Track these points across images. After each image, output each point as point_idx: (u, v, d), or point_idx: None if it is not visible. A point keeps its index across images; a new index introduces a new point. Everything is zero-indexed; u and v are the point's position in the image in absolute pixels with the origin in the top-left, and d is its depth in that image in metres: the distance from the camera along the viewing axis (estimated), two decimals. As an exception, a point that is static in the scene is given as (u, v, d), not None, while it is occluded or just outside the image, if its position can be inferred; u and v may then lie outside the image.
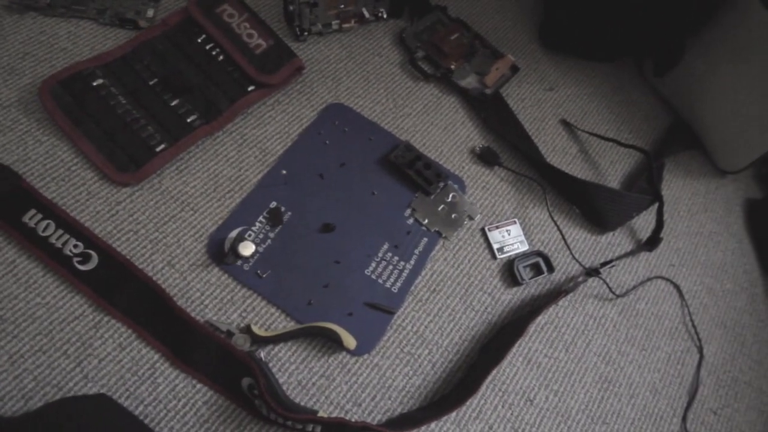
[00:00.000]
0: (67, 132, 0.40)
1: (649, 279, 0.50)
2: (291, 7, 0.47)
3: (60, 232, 0.36)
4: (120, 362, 0.34)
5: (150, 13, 0.47)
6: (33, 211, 0.37)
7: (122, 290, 0.36)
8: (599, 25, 0.55)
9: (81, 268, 0.36)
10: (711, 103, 0.56)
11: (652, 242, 0.51)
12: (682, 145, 0.59)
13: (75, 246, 0.36)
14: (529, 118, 0.54)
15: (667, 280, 0.51)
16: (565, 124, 0.56)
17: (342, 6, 0.50)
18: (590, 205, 0.49)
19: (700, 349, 0.49)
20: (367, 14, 0.52)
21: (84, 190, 0.39)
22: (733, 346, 0.50)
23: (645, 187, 0.53)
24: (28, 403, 0.32)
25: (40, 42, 0.44)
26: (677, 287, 0.50)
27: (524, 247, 0.47)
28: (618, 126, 0.58)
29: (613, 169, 0.55)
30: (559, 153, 0.53)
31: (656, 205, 0.51)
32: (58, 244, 0.36)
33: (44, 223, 0.36)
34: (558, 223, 0.49)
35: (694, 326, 0.49)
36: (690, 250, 0.54)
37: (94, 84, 0.42)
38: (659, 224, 0.51)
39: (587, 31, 0.56)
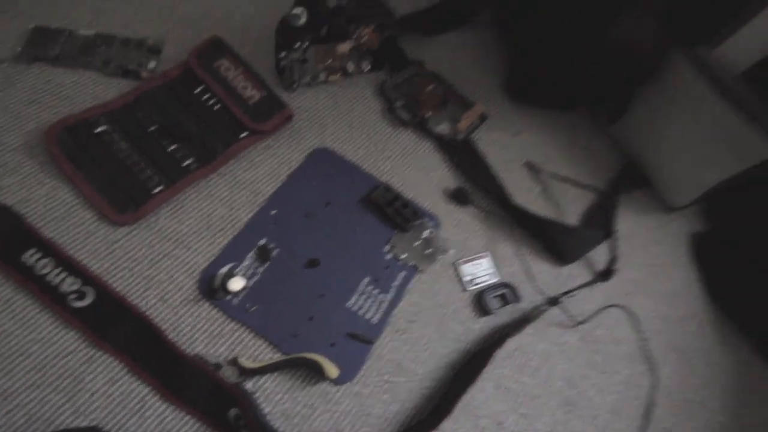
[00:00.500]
0: (69, 175, 0.43)
1: (606, 307, 0.54)
2: (283, 63, 0.52)
3: (58, 270, 0.39)
4: (110, 396, 0.36)
5: (152, 65, 0.51)
6: (33, 250, 0.39)
7: (116, 326, 0.38)
8: (558, 79, 0.62)
9: (76, 304, 0.38)
10: (655, 148, 0.63)
11: (607, 273, 0.56)
12: (634, 185, 0.65)
13: (72, 283, 0.38)
14: (497, 161, 0.60)
15: (623, 308, 0.55)
16: (529, 166, 0.61)
17: (329, 61, 0.55)
18: (551, 241, 0.54)
19: (655, 372, 0.53)
20: (351, 68, 0.58)
21: (83, 229, 0.41)
22: (685, 369, 0.55)
23: (601, 223, 0.59)
24: (21, 437, 0.33)
25: (45, 90, 0.47)
26: (632, 314, 0.55)
27: (495, 279, 0.51)
28: (576, 167, 0.64)
29: (572, 207, 0.61)
30: (524, 192, 0.59)
31: (609, 239, 0.56)
32: (55, 282, 0.38)
33: (43, 261, 0.39)
34: (524, 256, 0.54)
35: (649, 351, 0.54)
36: (643, 279, 0.59)
37: (97, 131, 0.45)
38: (613, 257, 0.56)
39: (547, 84, 0.63)
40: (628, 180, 0.65)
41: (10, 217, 0.40)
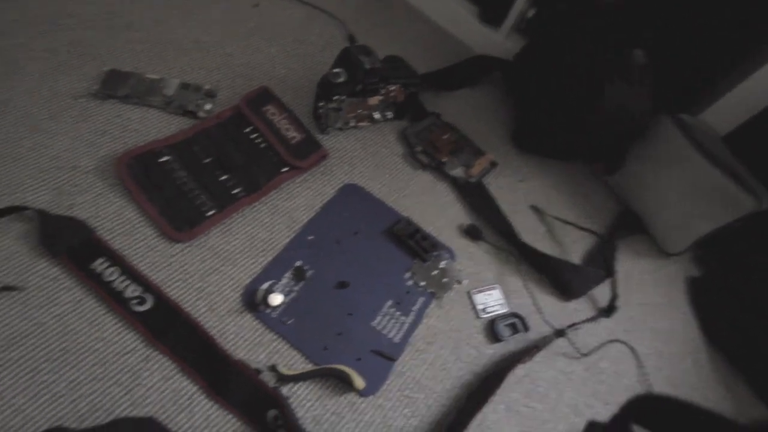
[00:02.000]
0: (135, 196, 0.49)
1: (609, 341, 0.58)
2: (320, 111, 0.60)
3: (123, 277, 0.44)
4: (163, 392, 0.40)
5: (208, 107, 0.59)
6: (101, 259, 0.44)
7: (170, 329, 0.42)
8: (559, 135, 0.70)
9: (138, 308, 0.43)
10: (650, 198, 0.70)
11: (609, 310, 0.60)
12: (631, 230, 0.71)
13: (134, 290, 0.43)
14: (505, 203, 0.66)
15: (624, 343, 0.59)
16: (535, 209, 0.68)
17: (359, 111, 0.63)
18: (556, 276, 0.60)
19: None
20: (377, 116, 0.66)
21: (144, 244, 0.47)
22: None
23: (602, 264, 0.64)
24: (83, 424, 0.37)
25: (116, 123, 0.55)
26: (632, 350, 0.59)
27: (504, 309, 0.56)
28: (577, 212, 0.70)
29: (574, 247, 0.66)
30: (530, 232, 0.65)
31: (610, 279, 0.61)
32: (120, 288, 0.43)
33: (110, 269, 0.44)
34: (531, 289, 0.59)
35: (649, 384, 0.57)
36: (642, 318, 0.63)
37: (161, 160, 0.52)
38: (614, 295, 0.61)
39: (550, 138, 0.71)
40: (626, 226, 0.71)
41: (84, 230, 0.45)
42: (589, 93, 0.61)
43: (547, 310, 0.58)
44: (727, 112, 0.68)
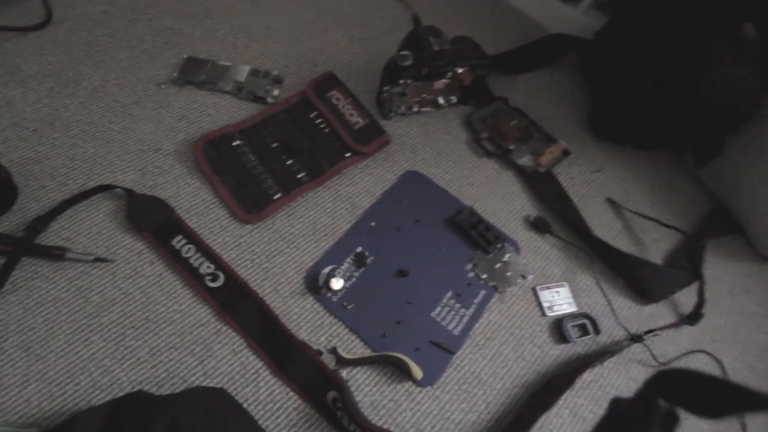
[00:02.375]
0: (210, 178, 0.51)
1: (692, 351, 0.53)
2: (384, 95, 0.59)
3: (198, 255, 0.46)
4: (232, 365, 0.42)
5: (276, 92, 0.60)
6: (180, 237, 0.47)
7: (239, 306, 0.44)
8: (641, 122, 0.63)
9: (211, 285, 0.45)
10: (750, 193, 0.62)
11: (694, 317, 0.55)
12: (723, 230, 0.64)
13: (208, 267, 0.46)
14: (577, 195, 0.62)
15: (710, 354, 0.53)
16: (611, 202, 0.63)
17: (423, 95, 0.61)
18: (634, 277, 0.55)
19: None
20: (441, 101, 0.64)
21: (217, 224, 0.49)
22: (779, 429, 0.51)
23: (686, 266, 0.58)
24: (160, 389, 0.40)
25: (193, 109, 0.58)
26: (719, 362, 0.53)
27: (572, 308, 0.53)
28: (660, 208, 0.64)
29: (655, 247, 0.60)
30: (604, 228, 0.60)
31: (697, 283, 0.55)
32: (195, 264, 0.46)
33: (187, 246, 0.47)
34: (604, 290, 0.55)
35: (738, 403, 0.51)
36: (731, 328, 0.57)
37: (233, 144, 0.54)
38: (700, 301, 0.55)
39: (631, 125, 0.65)
40: (718, 225, 0.64)
41: (166, 209, 0.48)
42: (688, 72, 0.54)
43: (621, 312, 0.54)
44: None
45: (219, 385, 0.40)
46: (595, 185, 0.63)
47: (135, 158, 0.52)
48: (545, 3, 0.77)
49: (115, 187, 0.48)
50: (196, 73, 0.60)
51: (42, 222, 0.44)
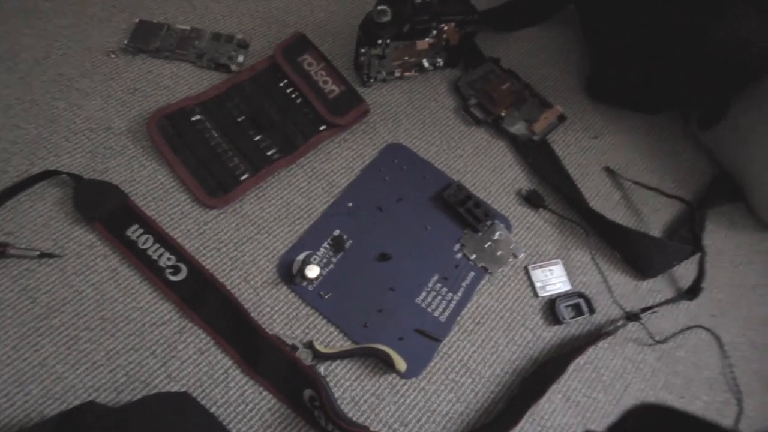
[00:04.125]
0: (168, 159, 0.46)
1: (689, 328, 0.51)
2: (362, 58, 0.53)
3: (156, 245, 0.42)
4: (198, 365, 0.39)
5: (240, 59, 0.54)
6: (135, 226, 0.43)
7: (205, 300, 0.41)
8: (645, 81, 0.58)
9: (172, 278, 0.41)
10: (755, 159, 0.58)
11: (693, 291, 0.52)
12: (726, 198, 0.60)
13: (168, 259, 0.42)
14: (574, 165, 0.57)
15: (708, 330, 0.51)
16: (609, 171, 0.58)
17: (406, 58, 0.55)
18: (632, 252, 0.51)
19: (740, 402, 0.48)
20: (426, 64, 0.58)
21: (178, 210, 0.45)
22: (778, 403, 0.50)
23: (687, 237, 0.54)
24: (120, 395, 0.37)
25: (147, 80, 0.52)
26: (718, 338, 0.51)
27: (566, 287, 0.49)
28: (661, 175, 0.60)
29: (655, 218, 0.57)
30: (602, 199, 0.56)
31: (698, 255, 0.52)
32: (154, 256, 0.42)
33: (144, 237, 0.42)
34: (599, 266, 0.51)
35: (734, 378, 0.50)
36: (732, 301, 0.54)
37: (193, 119, 0.48)
38: (700, 274, 0.52)
39: (633, 85, 0.60)
40: (720, 192, 0.60)
41: (119, 195, 0.44)
42: (700, 20, 0.48)
43: (618, 290, 0.51)
44: None
45: (184, 389, 0.37)
46: (593, 153, 0.59)
47: (83, 139, 0.47)
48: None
49: (61, 173, 0.43)
50: (149, 40, 0.53)
51: (-22, 215, 0.40)
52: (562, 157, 0.57)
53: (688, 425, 0.24)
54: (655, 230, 0.56)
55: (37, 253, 0.40)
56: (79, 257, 0.41)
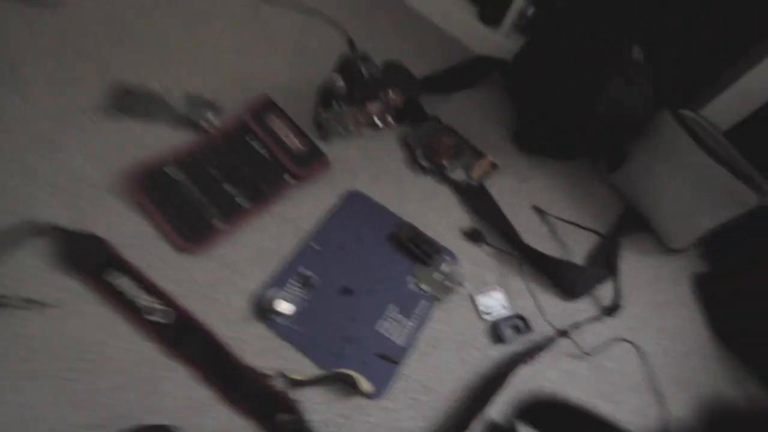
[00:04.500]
0: (147, 209, 0.51)
1: (613, 340, 0.59)
2: (320, 118, 0.62)
3: (139, 290, 0.46)
4: (177, 399, 0.42)
5: (213, 119, 0.60)
6: (118, 273, 0.46)
7: (185, 338, 0.44)
8: (559, 135, 0.70)
9: (154, 319, 0.44)
10: (652, 194, 0.70)
11: (612, 308, 0.61)
12: (634, 228, 0.72)
13: (150, 301, 0.45)
14: (507, 205, 0.67)
15: (629, 342, 0.60)
16: (537, 209, 0.68)
17: (360, 117, 0.64)
18: (559, 277, 0.60)
19: (664, 404, 0.56)
20: (378, 122, 0.67)
21: (156, 256, 0.49)
22: (692, 401, 0.58)
23: (604, 263, 0.64)
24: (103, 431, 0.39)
25: (124, 138, 0.56)
26: (637, 348, 0.59)
27: (507, 311, 0.57)
28: (579, 212, 0.70)
29: (577, 247, 0.67)
30: (532, 233, 0.65)
31: (613, 278, 0.62)
32: (136, 299, 0.45)
33: (126, 282, 0.46)
34: (533, 291, 0.60)
35: (654, 383, 0.58)
36: (646, 316, 0.64)
37: (170, 174, 0.54)
38: (617, 294, 0.61)
39: (551, 137, 0.72)
40: (629, 224, 0.72)
41: (100, 244, 0.47)
42: (588, 90, 0.61)
43: (550, 310, 0.59)
44: (727, 107, 0.68)
45: (167, 422, 0.40)
46: (522, 195, 0.69)
47: (64, 193, 0.50)
48: (470, 26, 0.83)
49: (44, 225, 0.47)
50: (128, 100, 0.59)
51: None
52: (497, 199, 0.67)
53: (579, 417, 0.29)
54: (578, 258, 0.66)
55: (22, 300, 0.42)
56: (62, 303, 0.44)
